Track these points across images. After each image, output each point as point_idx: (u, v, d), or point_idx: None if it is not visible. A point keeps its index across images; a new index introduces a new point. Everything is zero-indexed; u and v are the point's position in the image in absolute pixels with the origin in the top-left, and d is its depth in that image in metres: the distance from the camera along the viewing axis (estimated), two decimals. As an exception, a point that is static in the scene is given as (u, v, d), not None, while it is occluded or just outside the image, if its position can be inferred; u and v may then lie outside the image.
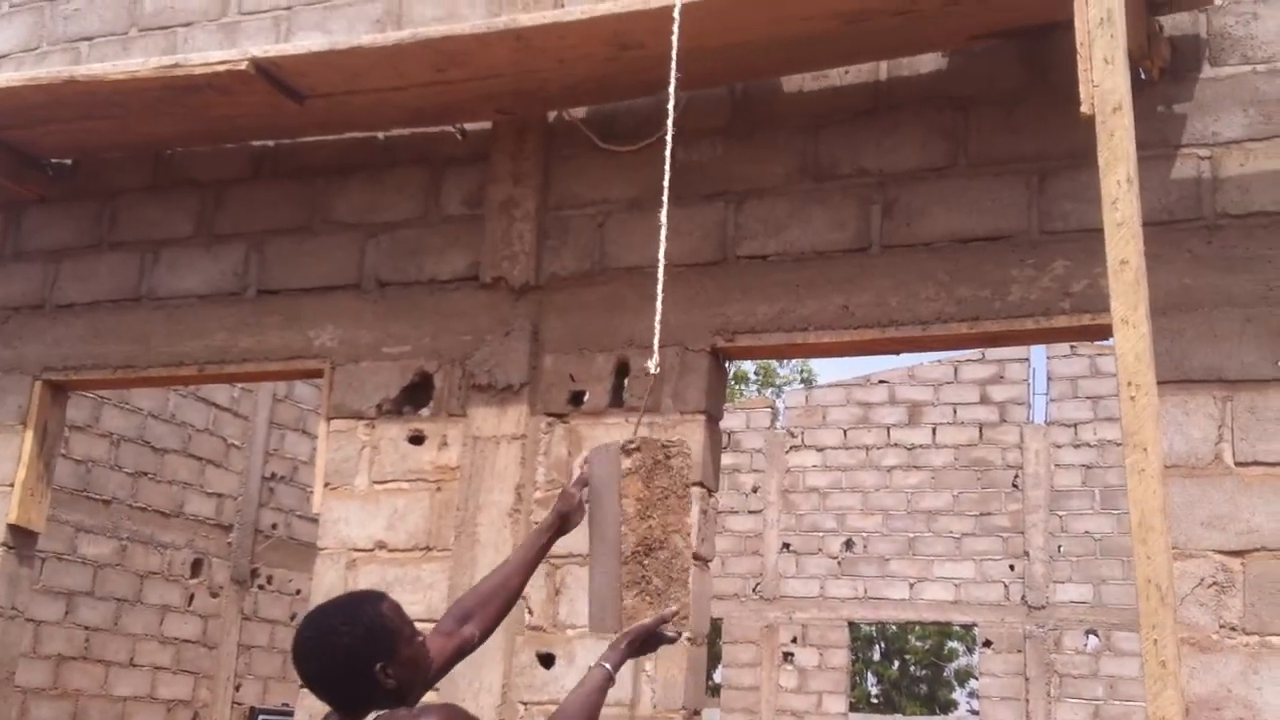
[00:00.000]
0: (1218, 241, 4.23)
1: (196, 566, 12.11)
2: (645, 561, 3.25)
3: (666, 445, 3.32)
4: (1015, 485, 16.85)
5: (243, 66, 4.96)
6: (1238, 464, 4.05)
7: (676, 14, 4.06)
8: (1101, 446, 16.44)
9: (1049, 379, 17.16)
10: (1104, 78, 3.48)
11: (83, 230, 6.12)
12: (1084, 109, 3.54)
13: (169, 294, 5.84)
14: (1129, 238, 3.34)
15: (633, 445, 3.30)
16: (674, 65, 4.29)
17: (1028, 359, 17.46)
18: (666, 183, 3.95)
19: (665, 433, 4.77)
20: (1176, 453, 4.09)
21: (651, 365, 3.68)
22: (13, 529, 5.84)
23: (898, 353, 5.23)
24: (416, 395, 5.27)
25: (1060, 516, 16.53)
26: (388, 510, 5.17)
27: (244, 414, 12.71)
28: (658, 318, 3.64)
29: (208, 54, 5.23)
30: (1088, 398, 16.76)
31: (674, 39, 4.13)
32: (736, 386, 28.47)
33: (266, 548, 12.85)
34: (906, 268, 4.64)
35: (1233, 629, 3.95)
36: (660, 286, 3.70)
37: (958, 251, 4.59)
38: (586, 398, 4.99)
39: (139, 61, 5.33)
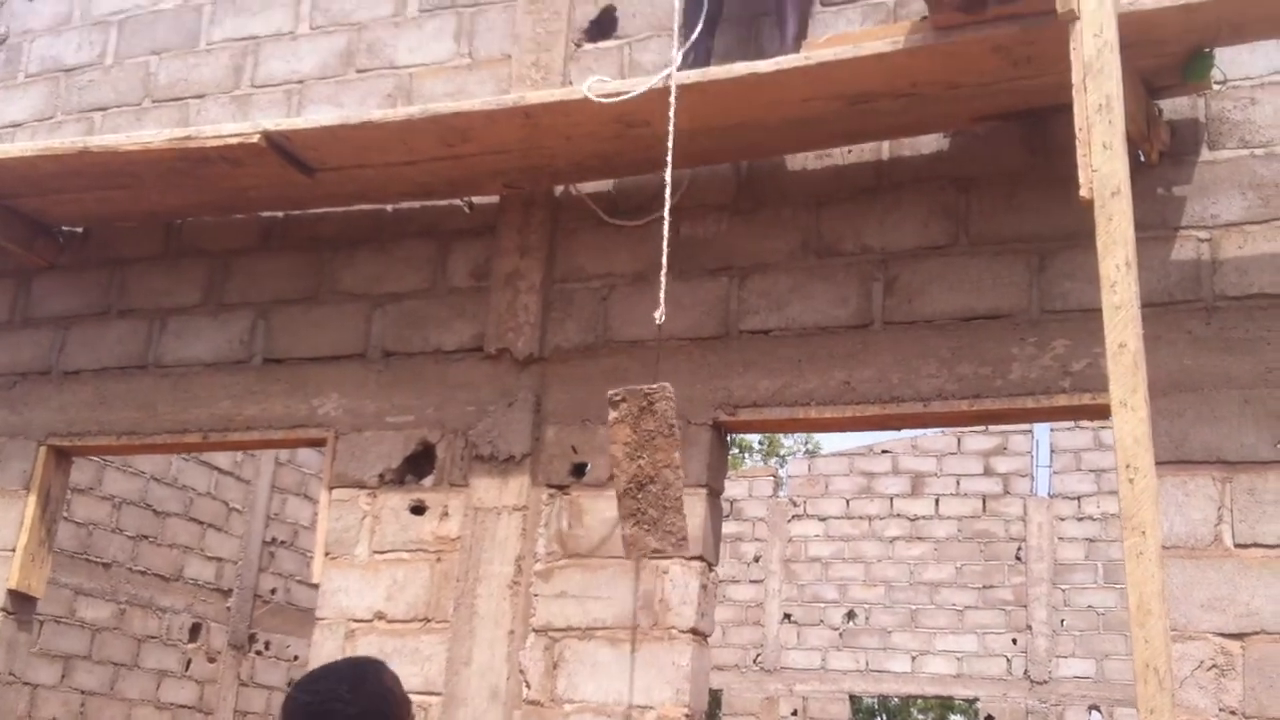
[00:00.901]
0: (1217, 323, 4.26)
1: (195, 631, 12.06)
2: (639, 495, 3.64)
3: (649, 392, 3.83)
4: (1018, 558, 16.79)
5: (254, 139, 5.04)
6: (1237, 546, 4.05)
7: (673, 97, 4.13)
8: (1105, 520, 16.39)
9: (1052, 451, 17.15)
10: (1103, 162, 3.53)
11: (91, 298, 6.17)
12: (1083, 193, 3.59)
13: (175, 361, 5.88)
14: (1127, 321, 3.38)
15: (618, 397, 3.67)
16: (670, 144, 4.39)
17: (1031, 431, 17.46)
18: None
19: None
20: (1176, 534, 4.10)
21: (658, 315, 4.16)
22: (12, 594, 5.84)
23: (899, 429, 5.26)
24: (419, 465, 5.29)
25: (1063, 590, 16.45)
26: (387, 581, 5.17)
27: (246, 478, 12.72)
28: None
29: (220, 126, 5.31)
30: (1091, 471, 16.74)
31: (670, 116, 4.22)
32: (740, 455, 28.42)
33: (265, 613, 12.80)
34: (908, 344, 4.68)
35: (1232, 713, 3.93)
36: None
37: (959, 329, 4.62)
38: (588, 469, 5.00)
39: (152, 133, 5.42)
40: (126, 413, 5.87)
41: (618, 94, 4.64)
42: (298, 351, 5.65)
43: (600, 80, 4.86)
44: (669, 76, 4.58)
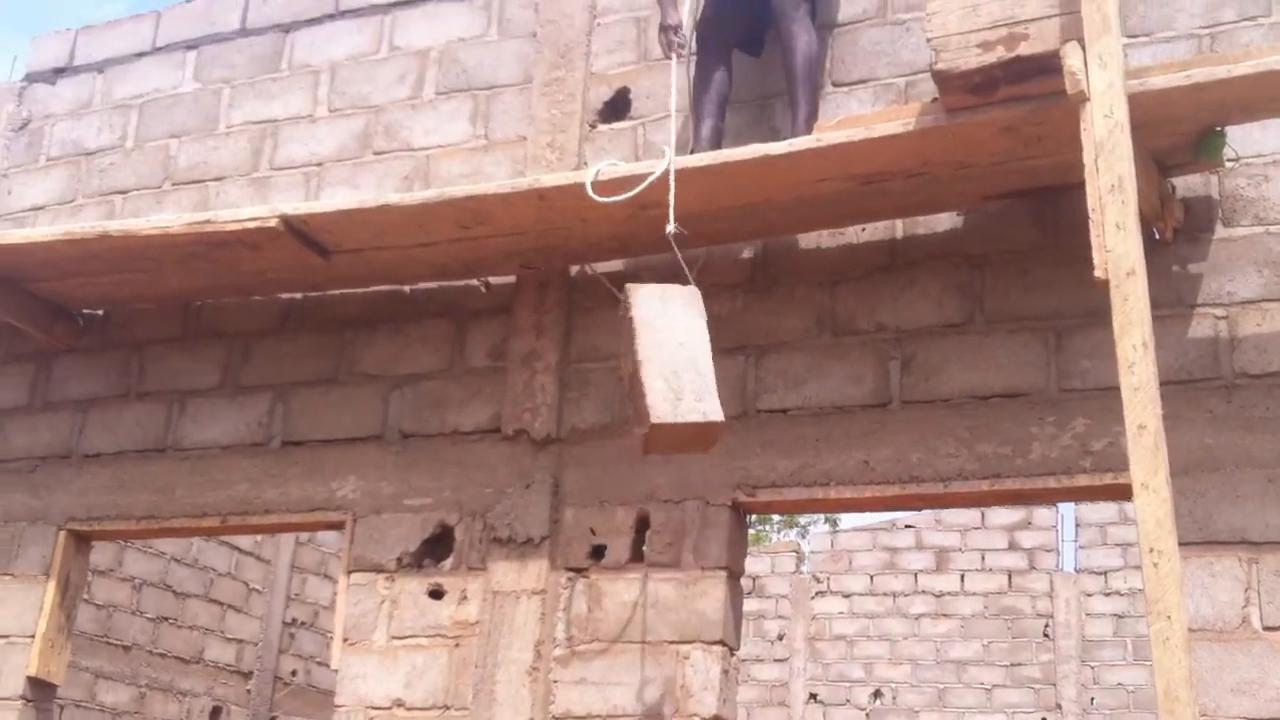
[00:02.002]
0: (1237, 401, 4.22)
1: (215, 714, 11.95)
2: (629, 389, 4.26)
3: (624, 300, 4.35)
4: (1046, 634, 16.55)
5: (272, 223, 5.08)
6: (1266, 628, 3.98)
7: (672, 185, 4.18)
8: (1132, 595, 16.16)
9: (1077, 525, 16.97)
10: (1116, 243, 3.52)
11: (111, 380, 6.20)
12: (1098, 273, 3.58)
13: (194, 444, 5.88)
14: (1146, 402, 3.35)
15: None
16: (670, 226, 4.44)
17: (1055, 505, 17.28)
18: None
19: (687, 589, 4.75)
20: (1203, 616, 4.03)
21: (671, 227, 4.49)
22: (32, 682, 5.81)
23: (919, 509, 5.22)
24: (437, 548, 5.26)
25: (1092, 668, 16.19)
26: (406, 667, 5.12)
27: (266, 558, 12.68)
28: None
29: (238, 210, 5.37)
30: (1117, 545, 16.54)
31: (670, 201, 4.27)
32: (761, 529, 28.23)
33: (286, 695, 12.69)
34: (926, 423, 4.65)
35: (1265, 800, 3.85)
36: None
37: (977, 408, 4.59)
38: (607, 552, 4.96)
39: (171, 217, 5.47)
40: (145, 496, 5.87)
41: (626, 180, 4.66)
42: (316, 434, 5.65)
43: (611, 164, 4.87)
44: (669, 167, 4.61)
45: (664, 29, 5.15)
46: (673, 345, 4.25)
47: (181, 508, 5.79)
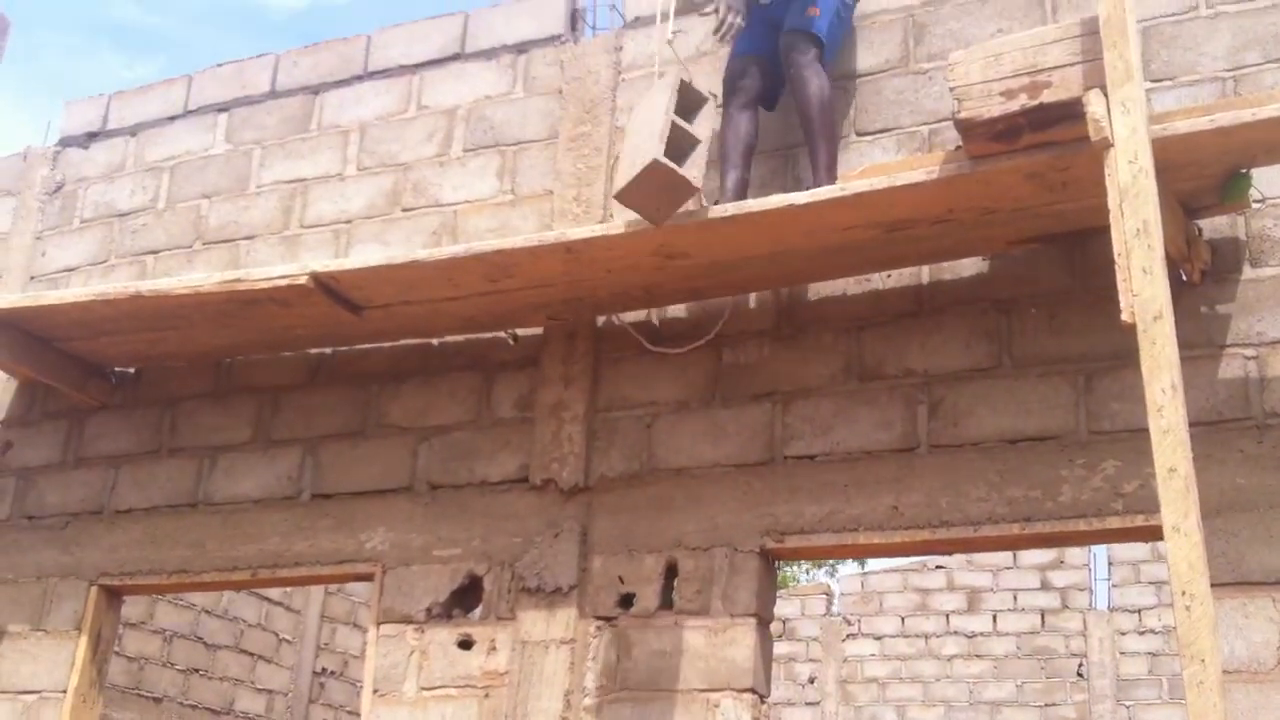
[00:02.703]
0: (1269, 441, 4.21)
1: (246, 765, 11.95)
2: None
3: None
4: (1080, 674, 16.39)
5: (303, 281, 5.14)
6: (1302, 670, 3.95)
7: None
8: (1167, 633, 15.99)
9: (1110, 564, 16.83)
10: (1143, 287, 3.53)
11: (143, 437, 6.26)
12: (1125, 318, 3.58)
13: (225, 499, 5.93)
14: (1176, 445, 3.35)
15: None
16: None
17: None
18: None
19: (717, 636, 4.75)
20: (1238, 658, 4.01)
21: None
22: (64, 737, 5.84)
23: (950, 553, 5.20)
24: (466, 598, 5.27)
25: (1128, 707, 16.01)
26: (436, 718, 5.12)
27: (296, 608, 12.70)
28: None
29: (269, 269, 5.43)
30: (1151, 583, 16.40)
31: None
32: (790, 571, 28.08)
33: (316, 745, 12.68)
34: (955, 468, 4.64)
35: (1306, 846, 3.80)
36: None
37: (1006, 451, 4.59)
38: (636, 600, 4.97)
39: (202, 276, 5.53)
40: (177, 551, 5.91)
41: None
42: (345, 486, 5.69)
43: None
44: (704, 208, 4.67)
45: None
46: (641, 126, 4.73)
47: (213, 561, 5.83)
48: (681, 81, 4.75)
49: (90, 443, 6.40)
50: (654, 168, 4.52)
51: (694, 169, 4.62)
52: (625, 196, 4.65)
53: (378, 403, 5.80)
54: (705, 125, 4.80)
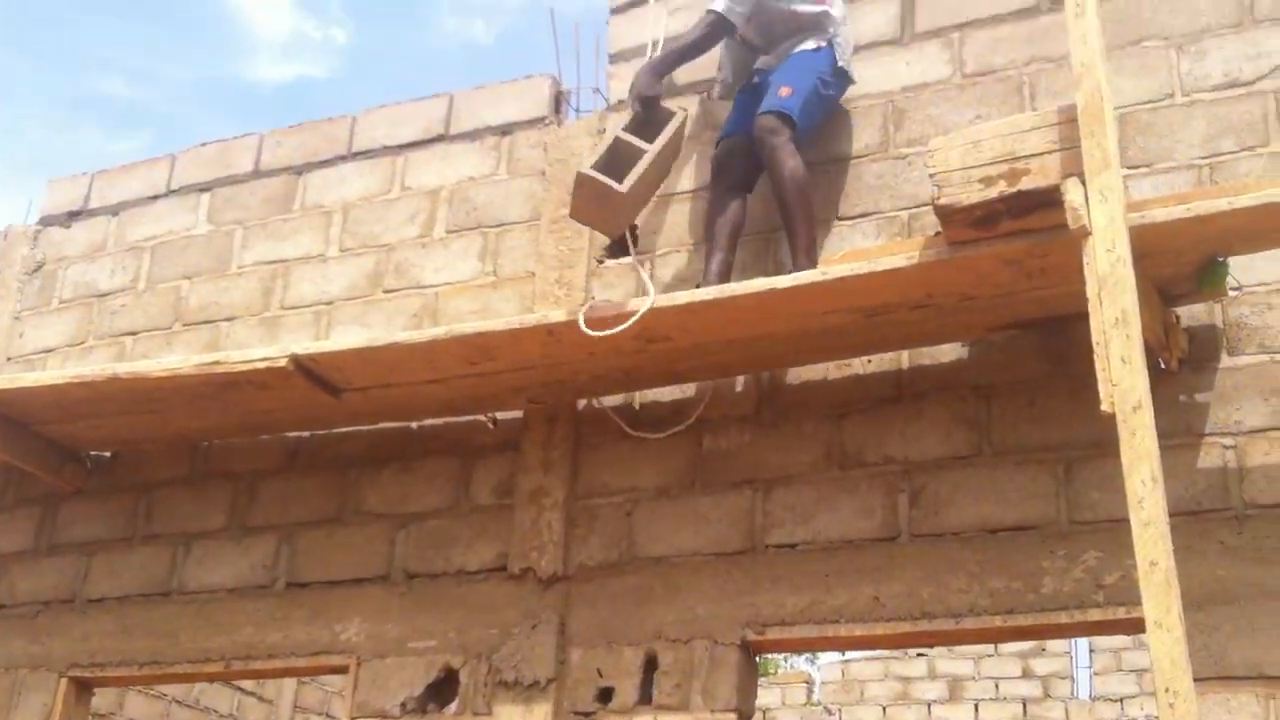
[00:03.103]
0: (1249, 532, 4.18)
1: None
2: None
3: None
4: (1064, 764, 16.18)
5: (282, 364, 5.10)
6: (1288, 765, 3.89)
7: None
8: (1151, 723, 15.86)
9: (1091, 652, 16.69)
10: (1122, 377, 3.53)
11: (117, 523, 6.17)
12: (1104, 407, 3.57)
13: (199, 588, 5.83)
14: (1157, 538, 3.32)
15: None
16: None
17: (1070, 631, 17.01)
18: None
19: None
20: (1224, 753, 3.95)
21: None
22: (27, 831, 5.69)
23: (931, 645, 5.15)
24: (442, 692, 5.15)
25: (1113, 798, 15.79)
26: (411, 814, 5.01)
27: (268, 698, 12.46)
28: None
29: (248, 351, 5.39)
30: (1132, 671, 16.24)
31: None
32: (771, 657, 27.80)
33: (289, 838, 12.38)
34: (936, 558, 4.60)
35: None
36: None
37: (987, 541, 4.55)
38: (614, 694, 4.87)
39: (181, 359, 5.50)
40: (148, 642, 5.80)
41: (621, 314, 4.70)
42: (321, 575, 5.60)
43: (605, 302, 4.88)
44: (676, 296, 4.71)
45: (638, 97, 5.21)
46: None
47: (185, 653, 5.71)
48: (644, 97, 5.10)
49: (64, 529, 6.31)
50: (580, 180, 4.85)
51: (632, 176, 4.84)
52: (575, 214, 5.04)
53: (355, 489, 5.73)
54: (663, 137, 5.02)
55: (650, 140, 4.97)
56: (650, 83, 5.21)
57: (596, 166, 4.85)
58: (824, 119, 5.30)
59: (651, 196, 5.22)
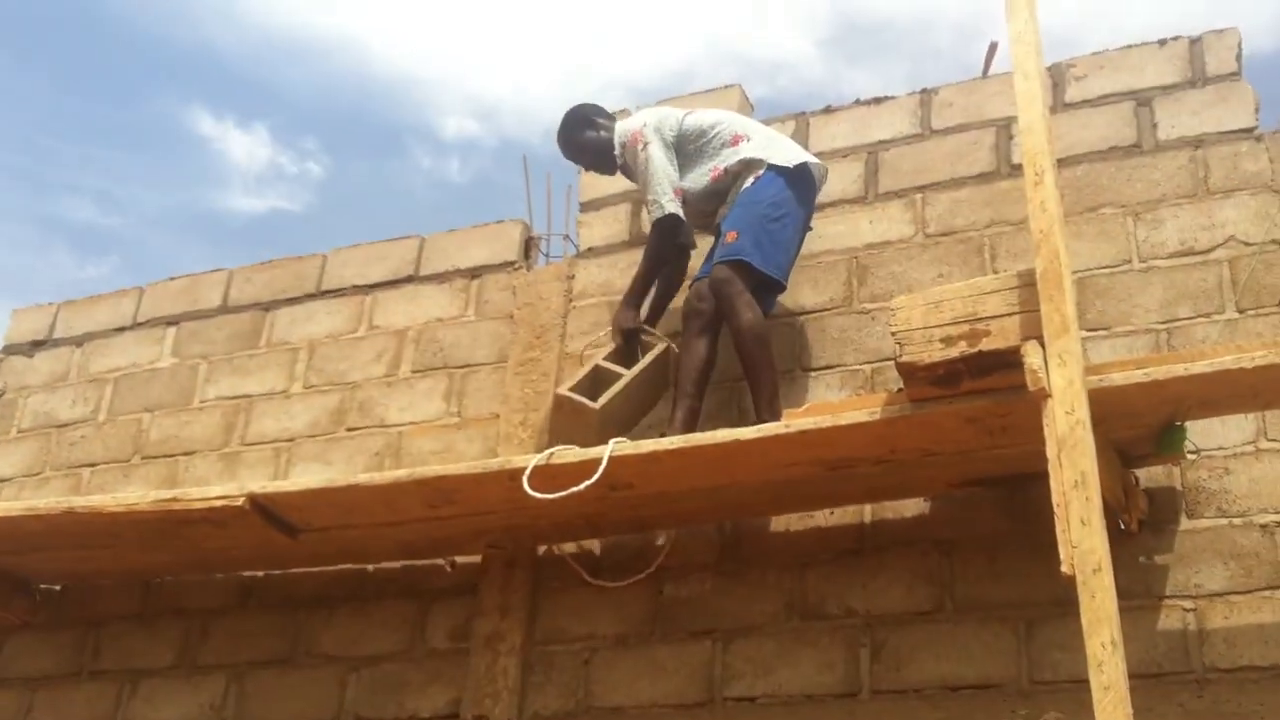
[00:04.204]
0: (1209, 696, 4.16)
1: None
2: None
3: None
4: None
5: (240, 503, 5.04)
6: None
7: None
8: None
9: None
10: (1082, 539, 3.53)
11: (64, 658, 6.03)
12: (1064, 569, 3.57)
13: (143, 728, 5.68)
14: (1117, 702, 3.30)
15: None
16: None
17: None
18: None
19: None
20: None
21: None
22: None
23: (892, 807, 5.03)
24: None
25: None
26: None
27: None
28: None
29: (206, 489, 5.33)
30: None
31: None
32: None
33: None
34: (897, 714, 4.54)
35: None
36: None
37: (949, 699, 4.50)
38: None
39: (138, 494, 5.44)
40: (91, 781, 5.64)
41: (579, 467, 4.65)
42: (270, 717, 5.46)
43: (563, 447, 4.84)
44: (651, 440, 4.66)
45: (619, 330, 5.33)
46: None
47: (128, 794, 5.56)
48: (625, 330, 5.34)
49: (9, 663, 6.15)
50: (558, 400, 5.21)
51: (606, 395, 5.07)
52: (554, 433, 5.31)
53: (308, 629, 5.63)
54: (643, 363, 5.25)
55: (629, 367, 5.19)
56: (628, 316, 5.34)
57: (576, 389, 5.08)
58: (796, 234, 5.25)
59: (636, 422, 5.22)
